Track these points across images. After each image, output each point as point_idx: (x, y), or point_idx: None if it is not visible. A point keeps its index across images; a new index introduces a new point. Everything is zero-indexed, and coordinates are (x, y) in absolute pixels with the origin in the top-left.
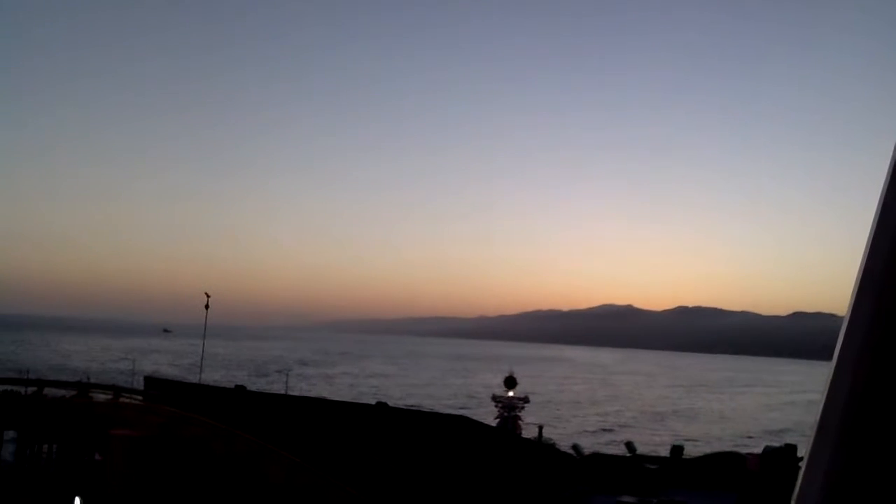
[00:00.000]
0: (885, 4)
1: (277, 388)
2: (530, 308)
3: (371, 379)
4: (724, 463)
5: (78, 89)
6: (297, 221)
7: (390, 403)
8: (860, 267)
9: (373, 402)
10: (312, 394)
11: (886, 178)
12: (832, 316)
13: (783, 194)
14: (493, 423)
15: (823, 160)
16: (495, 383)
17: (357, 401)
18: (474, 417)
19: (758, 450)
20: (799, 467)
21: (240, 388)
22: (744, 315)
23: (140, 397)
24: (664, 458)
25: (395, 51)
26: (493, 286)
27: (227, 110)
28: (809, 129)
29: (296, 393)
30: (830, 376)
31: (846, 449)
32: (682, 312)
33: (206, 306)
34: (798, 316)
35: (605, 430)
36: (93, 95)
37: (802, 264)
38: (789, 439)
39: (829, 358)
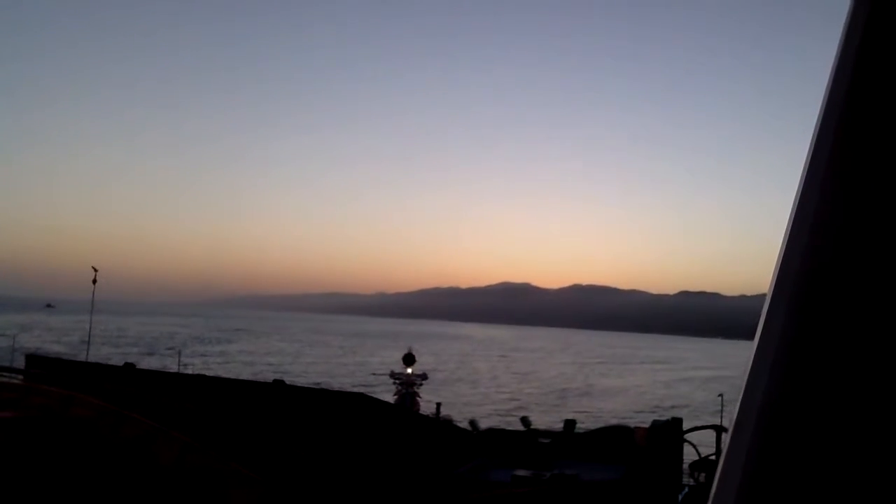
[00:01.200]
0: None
1: (170, 366)
2: (430, 285)
3: (268, 356)
4: (614, 436)
5: None
6: (191, 194)
7: (287, 381)
8: (780, 253)
9: (270, 380)
10: (207, 372)
11: (805, 163)
12: (715, 294)
13: (672, 182)
14: (392, 400)
15: (710, 150)
16: (394, 360)
17: (254, 379)
18: (373, 395)
19: (646, 424)
20: (685, 440)
21: (129, 366)
22: (635, 294)
23: (21, 376)
24: (557, 432)
25: (276, 13)
26: (391, 263)
27: (113, 78)
28: (704, 116)
29: (189, 371)
30: (752, 358)
31: (767, 433)
32: (578, 290)
33: (94, 281)
34: (684, 295)
35: (503, 405)
36: None
37: (687, 246)
38: (676, 413)
39: (713, 335)
